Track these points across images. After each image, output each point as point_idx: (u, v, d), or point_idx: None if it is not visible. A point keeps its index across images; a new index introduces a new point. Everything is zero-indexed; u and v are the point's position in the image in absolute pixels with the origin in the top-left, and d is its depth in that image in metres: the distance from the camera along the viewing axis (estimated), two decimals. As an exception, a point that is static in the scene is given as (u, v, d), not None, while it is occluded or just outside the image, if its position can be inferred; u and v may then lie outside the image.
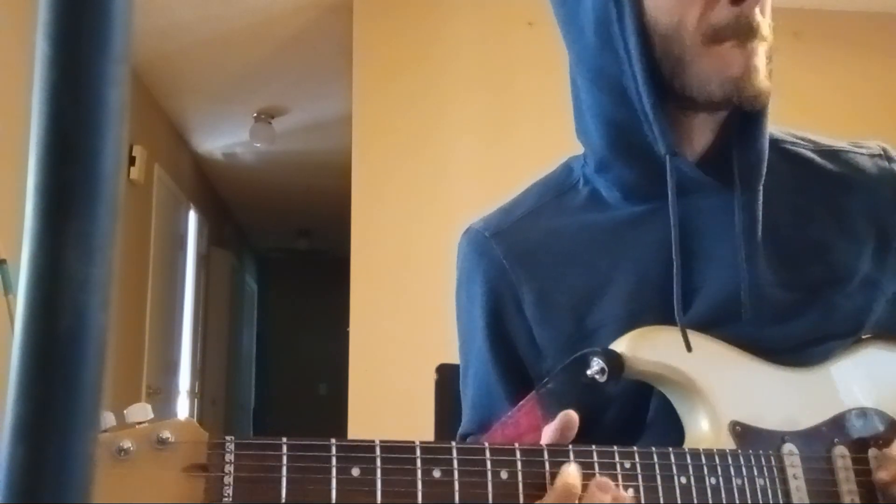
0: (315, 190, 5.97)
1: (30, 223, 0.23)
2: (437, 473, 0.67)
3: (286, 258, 8.52)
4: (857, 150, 0.96)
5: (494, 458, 0.69)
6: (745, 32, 0.81)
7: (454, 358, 1.07)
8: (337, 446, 0.65)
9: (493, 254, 0.94)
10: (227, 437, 0.63)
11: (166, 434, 0.61)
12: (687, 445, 0.81)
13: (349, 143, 3.38)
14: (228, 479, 0.62)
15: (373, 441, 0.66)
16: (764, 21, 0.82)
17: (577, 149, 0.97)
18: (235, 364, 7.24)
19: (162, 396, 4.72)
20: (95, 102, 0.24)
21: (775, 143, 0.92)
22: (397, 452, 0.66)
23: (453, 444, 0.68)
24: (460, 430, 0.99)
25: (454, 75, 3.38)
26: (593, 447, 0.73)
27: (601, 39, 0.85)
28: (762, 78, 0.82)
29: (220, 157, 5.62)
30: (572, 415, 0.74)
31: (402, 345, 3.10)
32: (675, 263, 0.84)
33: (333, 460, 0.64)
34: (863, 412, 0.86)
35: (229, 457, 0.62)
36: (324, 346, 7.21)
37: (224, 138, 5.25)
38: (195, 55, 4.04)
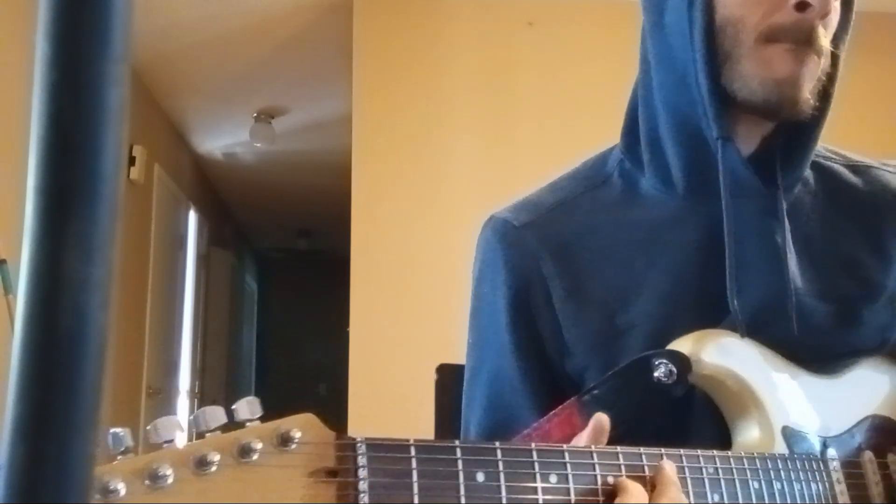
0: (315, 190, 5.97)
1: (30, 223, 0.23)
2: (553, 479, 0.65)
3: (286, 258, 8.52)
4: (885, 168, 0.97)
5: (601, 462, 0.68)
6: (802, 38, 0.81)
7: (454, 358, 1.06)
8: (461, 448, 0.62)
9: (525, 243, 0.90)
10: (357, 438, 0.59)
11: (294, 432, 0.56)
12: (735, 451, 0.81)
13: (349, 143, 3.39)
14: (364, 486, 0.57)
15: (494, 444, 0.64)
16: (825, 40, 0.83)
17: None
18: (235, 364, 7.24)
19: (162, 396, 4.72)
20: (95, 102, 0.24)
21: None
22: (516, 455, 0.64)
23: (564, 447, 0.67)
24: (473, 435, 0.93)
25: (454, 75, 3.38)
26: (661, 450, 0.71)
27: (674, 19, 0.86)
28: (806, 89, 0.82)
29: (220, 157, 5.62)
30: (603, 418, 0.72)
31: (402, 345, 3.10)
32: (727, 247, 0.83)
33: (460, 464, 0.62)
34: (883, 419, 0.87)
35: (362, 460, 0.58)
36: (324, 346, 7.22)
37: (224, 138, 5.25)
38: (195, 55, 4.04)
